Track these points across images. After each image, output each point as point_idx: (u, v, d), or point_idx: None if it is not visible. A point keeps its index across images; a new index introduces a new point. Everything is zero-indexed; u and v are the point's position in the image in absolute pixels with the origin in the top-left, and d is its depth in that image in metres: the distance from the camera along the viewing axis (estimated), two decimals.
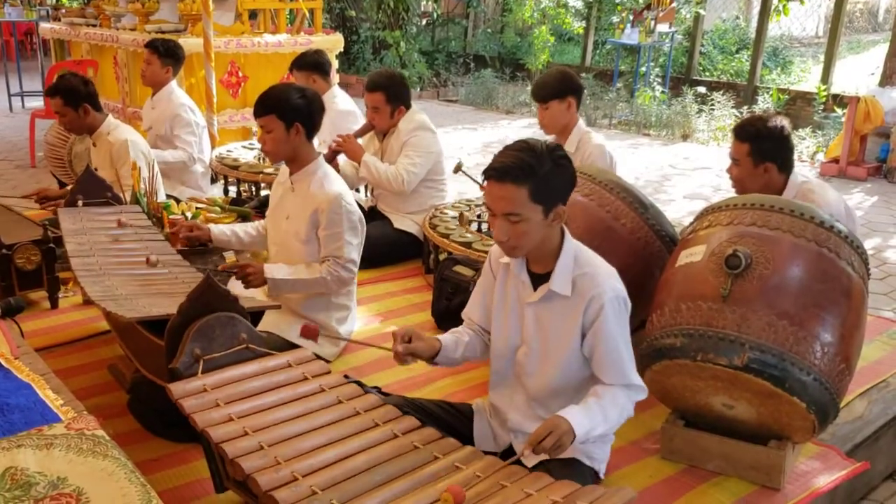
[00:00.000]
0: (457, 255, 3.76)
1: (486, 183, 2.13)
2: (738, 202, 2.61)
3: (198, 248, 3.37)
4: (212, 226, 3.31)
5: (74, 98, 4.07)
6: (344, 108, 5.07)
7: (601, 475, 2.34)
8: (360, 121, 5.08)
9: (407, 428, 2.09)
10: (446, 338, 2.37)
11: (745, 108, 9.33)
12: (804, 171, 7.44)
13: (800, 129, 8.69)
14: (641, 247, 2.87)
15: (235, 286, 3.03)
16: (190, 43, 5.82)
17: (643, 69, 10.91)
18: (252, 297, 3.02)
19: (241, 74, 6.69)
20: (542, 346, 2.25)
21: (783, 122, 2.97)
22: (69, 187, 4.33)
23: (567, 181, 2.15)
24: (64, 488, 1.60)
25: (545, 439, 1.99)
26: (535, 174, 2.06)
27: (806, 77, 11.56)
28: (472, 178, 4.21)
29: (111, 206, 3.39)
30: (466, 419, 2.44)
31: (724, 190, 3.66)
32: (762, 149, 2.93)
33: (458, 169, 4.25)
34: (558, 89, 3.75)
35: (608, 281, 2.18)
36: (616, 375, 2.18)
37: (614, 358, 2.17)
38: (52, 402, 1.97)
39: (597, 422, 2.09)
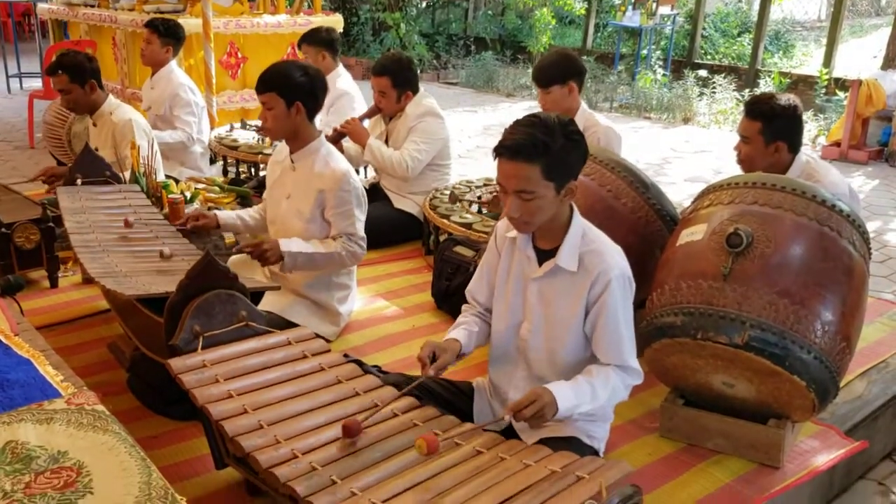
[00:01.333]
0: (457, 235, 3.76)
1: (496, 160, 2.11)
2: (740, 181, 2.59)
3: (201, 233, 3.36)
4: (218, 212, 3.29)
5: (80, 74, 4.03)
6: (341, 88, 5.04)
7: (601, 454, 2.34)
8: (357, 103, 5.06)
9: (407, 407, 2.09)
10: (461, 334, 2.34)
11: (747, 91, 9.29)
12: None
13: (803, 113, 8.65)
14: (642, 226, 2.86)
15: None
16: (189, 23, 5.78)
17: (644, 52, 10.87)
18: (251, 277, 3.01)
19: (240, 55, 6.66)
20: (546, 323, 2.24)
21: (796, 100, 2.93)
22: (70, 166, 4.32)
23: (579, 157, 2.14)
24: (64, 462, 1.60)
25: (527, 407, 2.00)
26: (548, 151, 2.03)
27: (808, 60, 11.52)
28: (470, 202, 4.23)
29: (110, 184, 3.38)
30: (466, 397, 2.44)
31: (725, 173, 3.66)
32: (775, 128, 2.89)
33: (454, 200, 4.20)
34: (560, 73, 3.71)
35: (616, 258, 2.18)
36: (613, 355, 2.17)
37: (613, 337, 2.16)
38: (52, 377, 1.97)
39: (583, 399, 2.09)
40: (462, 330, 2.38)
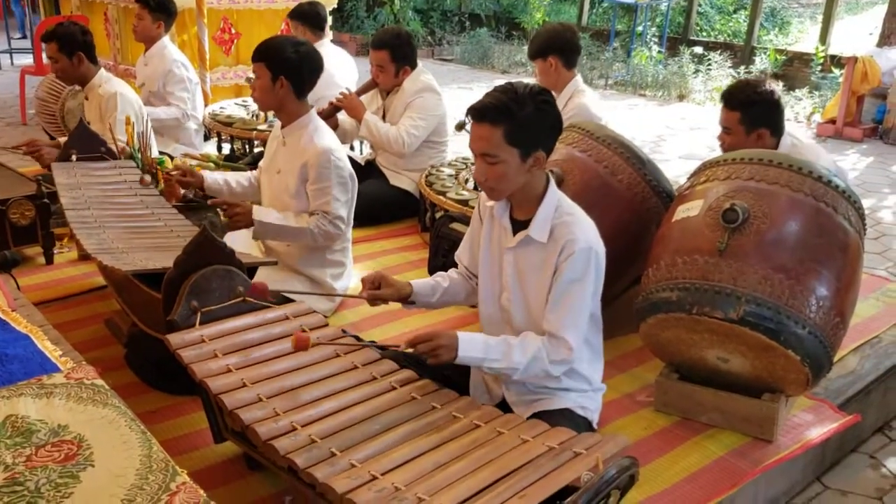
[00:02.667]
0: (453, 212, 3.76)
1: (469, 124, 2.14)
2: (736, 157, 2.60)
3: (192, 203, 3.35)
4: (205, 172, 3.29)
5: (70, 45, 4.01)
6: (335, 61, 5.02)
7: (594, 425, 2.37)
8: (342, 82, 5.03)
9: (405, 380, 2.11)
10: (421, 282, 2.41)
11: (743, 68, 9.27)
12: (801, 131, 7.43)
13: (797, 90, 8.65)
14: (638, 202, 2.86)
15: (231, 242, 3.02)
16: None
17: (640, 29, 10.81)
18: (248, 252, 3.01)
19: (233, 31, 6.60)
20: (522, 293, 2.26)
21: (772, 85, 2.94)
22: (60, 139, 4.29)
23: (548, 127, 2.14)
24: (65, 436, 1.61)
25: (423, 343, 2.06)
26: (512, 116, 2.05)
27: (804, 37, 11.48)
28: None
29: (105, 160, 3.36)
30: (462, 372, 2.45)
31: (719, 150, 3.67)
32: (754, 116, 2.89)
33: (461, 127, 4.20)
34: (540, 48, 3.73)
35: (585, 231, 2.17)
36: (553, 321, 2.16)
37: (558, 304, 2.15)
38: (50, 352, 1.97)
39: (493, 356, 2.12)
40: (428, 280, 2.45)
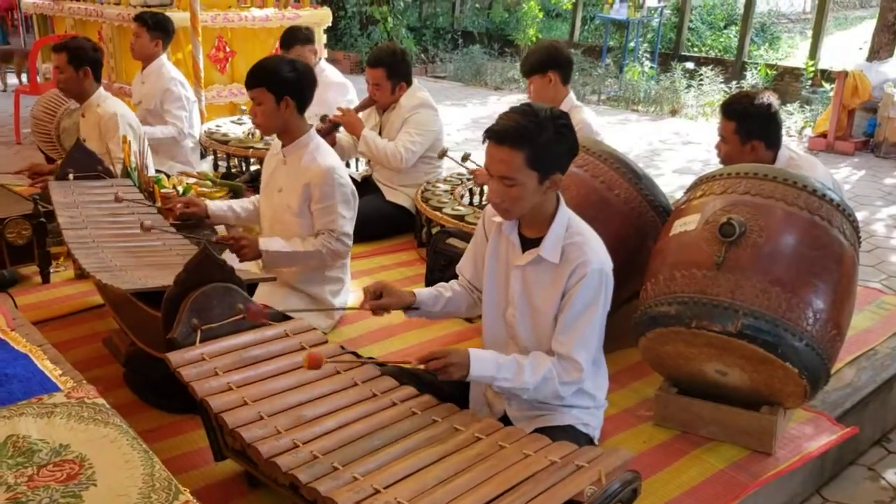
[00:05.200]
0: (449, 228, 3.77)
1: (485, 143, 2.13)
2: (732, 171, 2.62)
3: (190, 221, 3.35)
4: (208, 202, 3.29)
5: (79, 58, 4.05)
6: (335, 80, 5.05)
7: (596, 441, 2.37)
8: (350, 92, 5.07)
9: (405, 396, 2.11)
10: (425, 292, 2.41)
11: (734, 83, 9.34)
12: (792, 145, 7.48)
13: (788, 105, 8.71)
14: (635, 217, 2.88)
15: (231, 259, 3.02)
16: (176, 17, 5.74)
17: (632, 45, 10.89)
18: (247, 269, 3.01)
19: (228, 49, 6.63)
20: (530, 310, 2.26)
21: (770, 98, 2.96)
22: (59, 162, 4.29)
23: (567, 150, 2.15)
24: (67, 455, 1.61)
25: (435, 360, 2.06)
26: (533, 140, 2.05)
27: (794, 52, 11.59)
28: (456, 162, 4.22)
29: (102, 179, 3.36)
30: (463, 387, 2.45)
31: (714, 164, 3.70)
32: (749, 127, 2.93)
33: (465, 159, 4.22)
34: (539, 64, 3.75)
35: (597, 252, 2.18)
36: (563, 343, 2.17)
37: (570, 326, 2.16)
38: (50, 371, 1.97)
39: (503, 375, 2.12)
40: (430, 289, 2.44)
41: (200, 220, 3.28)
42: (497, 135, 2.08)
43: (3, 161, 6.36)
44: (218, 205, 3.29)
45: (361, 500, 1.62)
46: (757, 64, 9.88)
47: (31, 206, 3.58)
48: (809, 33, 10.22)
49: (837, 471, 2.83)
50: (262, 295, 3.03)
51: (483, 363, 2.11)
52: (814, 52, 9.33)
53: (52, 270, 3.69)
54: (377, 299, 2.30)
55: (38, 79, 7.57)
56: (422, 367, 2.10)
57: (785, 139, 3.10)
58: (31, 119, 5.38)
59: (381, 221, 4.31)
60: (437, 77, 12.16)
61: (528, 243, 2.25)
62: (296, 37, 4.99)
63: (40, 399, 1.81)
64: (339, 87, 5.11)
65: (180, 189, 3.79)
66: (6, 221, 3.47)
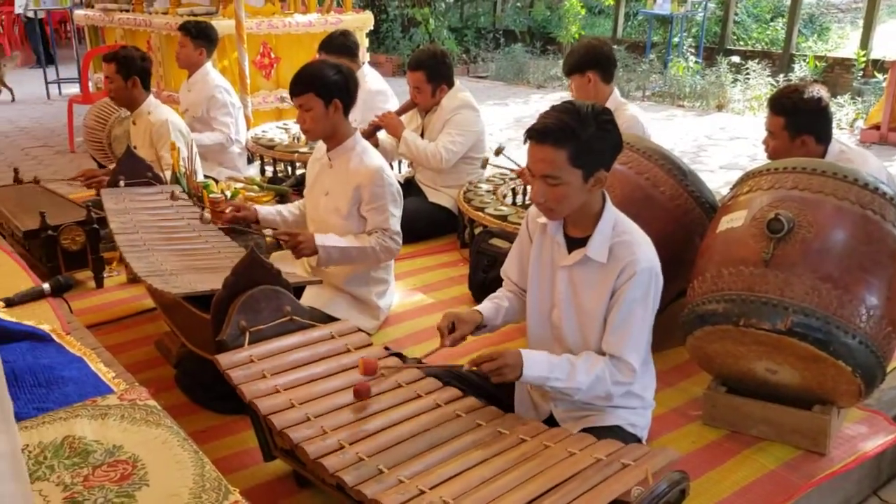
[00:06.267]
0: (492, 228, 3.77)
1: (526, 143, 2.12)
2: (779, 166, 2.57)
3: (240, 226, 3.40)
4: (257, 206, 3.33)
5: (127, 68, 4.14)
6: (374, 88, 5.06)
7: (643, 442, 2.34)
8: (391, 100, 5.07)
9: (449, 398, 2.11)
10: (486, 307, 2.39)
11: (781, 76, 9.17)
12: (843, 139, 7.31)
13: (838, 97, 8.52)
14: (681, 214, 2.84)
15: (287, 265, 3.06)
16: (222, 25, 5.85)
17: (676, 40, 10.76)
18: (293, 272, 3.05)
19: (273, 55, 6.71)
20: (576, 310, 2.25)
21: (820, 92, 2.89)
22: (111, 167, 4.40)
23: (611, 147, 2.12)
24: (120, 456, 1.64)
25: (487, 362, 2.04)
26: (576, 137, 2.03)
27: (844, 43, 11.29)
28: (513, 161, 4.19)
29: (152, 185, 3.44)
30: (508, 388, 2.45)
31: (761, 159, 3.61)
32: (798, 122, 2.86)
33: (499, 152, 4.22)
34: (577, 64, 3.72)
35: (645, 251, 2.16)
36: (614, 343, 2.15)
37: (621, 326, 2.14)
38: (104, 374, 2.01)
39: (556, 376, 2.10)
40: (489, 303, 2.41)
41: (249, 224, 3.32)
42: (538, 133, 2.07)
43: (58, 169, 6.54)
44: (267, 209, 3.34)
45: (407, 501, 1.63)
46: (805, 56, 9.68)
47: (84, 213, 3.67)
48: (860, 22, 9.96)
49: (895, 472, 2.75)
50: (309, 297, 3.06)
51: (536, 364, 2.10)
52: (865, 42, 9.10)
53: (105, 275, 3.78)
54: (452, 332, 2.27)
55: (91, 88, 7.77)
56: (475, 369, 2.09)
57: (836, 132, 3.03)
58: (83, 128, 5.53)
59: (423, 222, 4.33)
60: (479, 77, 12.16)
61: (574, 243, 2.23)
62: (328, 45, 4.90)
63: (94, 401, 1.85)
64: (379, 94, 5.11)
65: (228, 194, 3.85)
66: (61, 228, 3.57)
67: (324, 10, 7.13)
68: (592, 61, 3.70)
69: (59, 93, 10.20)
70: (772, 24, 11.73)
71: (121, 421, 1.77)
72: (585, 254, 2.18)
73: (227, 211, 3.22)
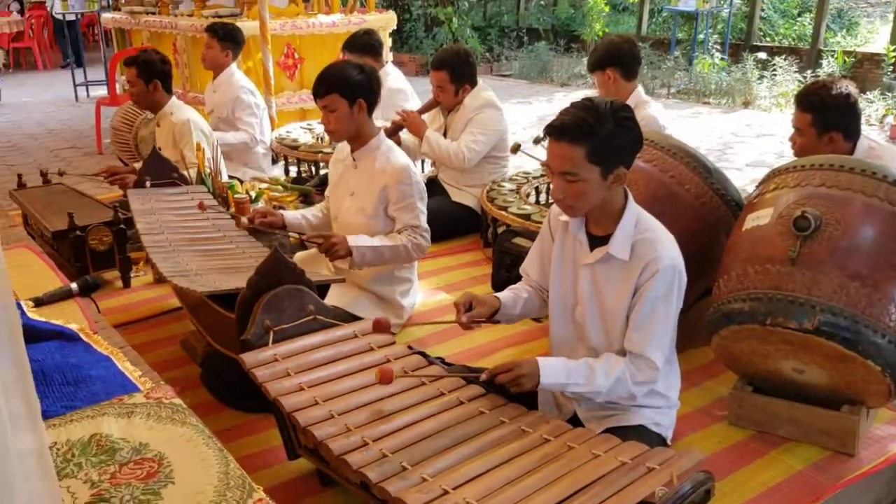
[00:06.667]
0: (515, 227, 3.76)
1: (546, 140, 2.12)
2: (806, 163, 2.54)
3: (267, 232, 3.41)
4: (284, 212, 3.34)
5: (148, 72, 4.19)
6: (395, 86, 5.07)
7: (668, 442, 2.33)
8: (411, 99, 5.08)
9: (472, 395, 2.11)
10: (505, 295, 2.40)
11: (809, 72, 9.05)
12: (872, 135, 7.21)
13: (867, 92, 8.40)
14: (706, 212, 2.82)
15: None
16: (246, 26, 5.89)
17: (701, 36, 10.66)
18: (316, 271, 3.07)
19: (297, 56, 6.75)
20: (598, 309, 2.24)
21: (849, 87, 2.85)
22: (134, 164, 4.46)
23: (630, 143, 2.11)
24: (146, 454, 1.67)
25: (504, 373, 2.04)
26: (593, 134, 2.03)
27: (873, 38, 11.12)
28: (532, 157, 4.18)
29: (178, 186, 3.47)
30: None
31: (788, 156, 3.56)
32: (826, 118, 2.83)
33: (515, 149, 4.21)
34: (598, 61, 3.75)
35: (667, 248, 2.15)
36: (637, 341, 2.13)
37: (643, 324, 2.13)
38: (130, 373, 2.04)
39: (575, 381, 2.10)
40: (509, 292, 2.42)
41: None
42: (557, 130, 2.07)
43: (86, 170, 6.62)
44: (293, 214, 3.35)
45: (430, 501, 1.63)
46: (834, 51, 9.55)
47: (111, 214, 3.72)
48: (890, 17, 9.80)
49: None
50: (333, 297, 3.08)
51: (553, 370, 2.09)
52: None
53: (132, 275, 3.82)
54: (468, 310, 2.29)
55: (118, 90, 7.86)
56: (492, 380, 2.09)
57: (864, 129, 2.99)
58: (110, 129, 5.59)
59: (447, 222, 4.32)
60: (503, 76, 12.13)
61: (597, 241, 2.22)
62: (352, 44, 4.93)
63: (121, 399, 1.88)
64: (399, 93, 5.13)
65: (253, 194, 3.88)
66: (89, 229, 3.62)
67: (347, 10, 7.16)
68: (613, 58, 3.70)
69: (87, 95, 10.32)
70: (799, 19, 11.58)
71: (147, 419, 1.80)
72: (608, 251, 2.17)
73: (255, 218, 3.22)
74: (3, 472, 1.03)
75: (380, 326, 2.29)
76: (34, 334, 2.15)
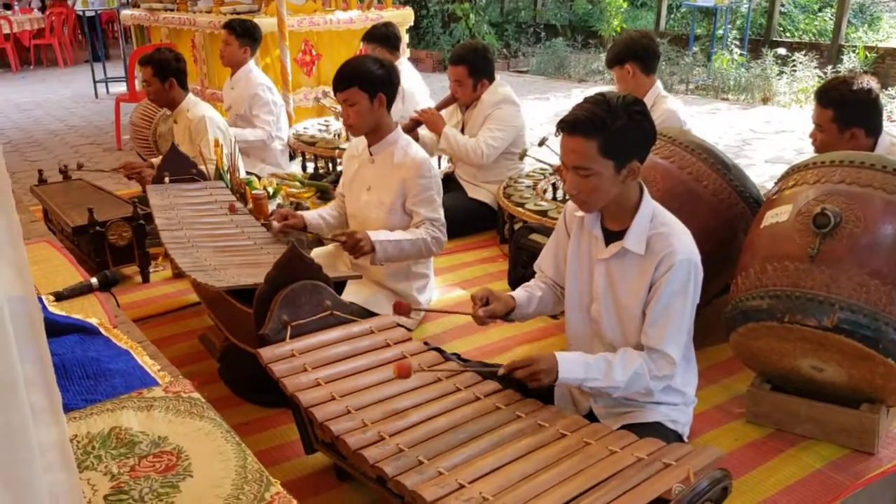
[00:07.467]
0: (532, 223, 3.75)
1: (558, 135, 2.12)
2: (826, 160, 2.52)
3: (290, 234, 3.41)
4: (304, 213, 3.35)
5: (163, 70, 4.23)
6: (405, 84, 5.06)
7: (685, 438, 2.32)
8: (419, 98, 5.08)
9: (488, 391, 2.11)
10: (520, 294, 2.41)
11: (830, 68, 8.97)
12: (894, 131, 7.15)
13: (890, 88, 8.31)
14: (725, 208, 2.80)
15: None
16: (264, 23, 5.92)
17: (720, 32, 10.58)
18: (333, 268, 3.08)
19: (314, 52, 6.77)
20: (614, 304, 2.23)
21: (870, 83, 2.82)
22: (151, 159, 4.50)
23: (643, 138, 2.11)
24: (165, 447, 1.68)
25: (522, 368, 2.04)
26: (606, 128, 2.02)
27: None
28: (539, 161, 4.18)
29: (196, 182, 3.49)
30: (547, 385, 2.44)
31: (808, 153, 3.53)
32: (847, 114, 2.80)
33: (522, 156, 4.21)
34: (617, 56, 3.74)
35: (684, 242, 2.14)
36: (653, 336, 2.13)
37: (660, 318, 2.12)
38: (149, 367, 2.06)
39: (593, 376, 2.09)
40: (522, 291, 2.43)
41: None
42: (569, 125, 2.07)
43: (105, 166, 6.66)
44: (312, 215, 3.35)
45: (447, 495, 1.63)
46: (855, 47, 9.45)
47: (130, 210, 3.75)
48: None
49: None
50: (349, 293, 3.08)
51: (571, 365, 2.09)
52: None
53: (151, 270, 3.85)
54: (485, 305, 2.30)
55: (137, 87, 7.91)
56: (510, 375, 2.09)
57: (886, 125, 2.96)
58: (129, 126, 5.63)
59: (463, 218, 4.32)
60: (520, 71, 12.10)
61: (612, 236, 2.22)
62: (372, 35, 5.02)
63: (140, 393, 1.90)
64: (411, 91, 5.13)
65: (270, 190, 3.90)
66: (108, 224, 3.65)
67: (364, 6, 7.17)
68: (631, 53, 3.70)
69: (107, 91, 10.40)
70: (820, 14, 11.47)
71: (166, 413, 1.81)
72: (623, 246, 2.16)
73: (278, 220, 3.22)
74: (27, 464, 1.04)
75: (401, 309, 2.32)
76: (55, 328, 2.18)
